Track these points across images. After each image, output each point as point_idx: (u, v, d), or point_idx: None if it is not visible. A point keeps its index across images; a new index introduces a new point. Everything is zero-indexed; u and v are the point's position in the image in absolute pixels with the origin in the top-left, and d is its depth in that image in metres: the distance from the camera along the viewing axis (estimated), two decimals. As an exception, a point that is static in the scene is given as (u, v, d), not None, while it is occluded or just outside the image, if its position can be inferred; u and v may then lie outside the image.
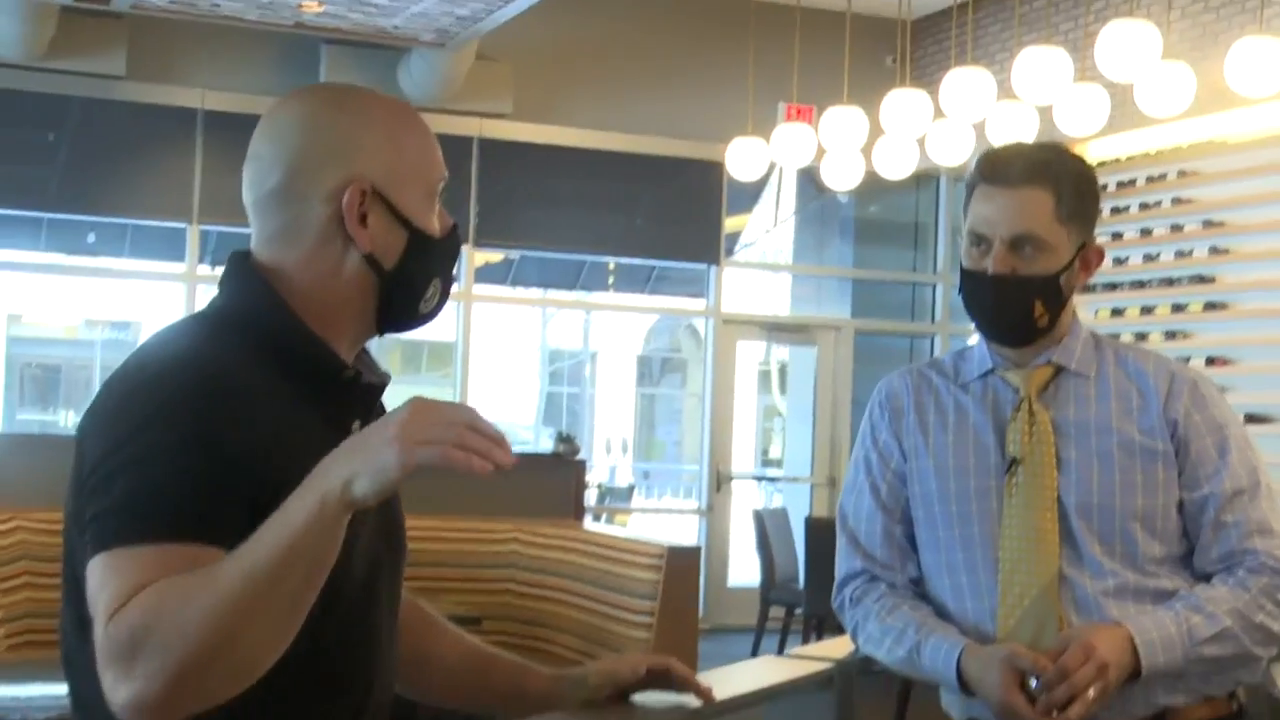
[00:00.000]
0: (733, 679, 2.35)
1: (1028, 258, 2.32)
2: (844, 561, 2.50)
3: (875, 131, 7.51)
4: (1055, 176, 2.32)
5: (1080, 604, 2.28)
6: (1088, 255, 2.38)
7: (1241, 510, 2.31)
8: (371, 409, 1.79)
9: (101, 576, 1.50)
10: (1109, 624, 2.23)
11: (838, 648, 2.59)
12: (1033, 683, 2.17)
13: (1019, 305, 2.33)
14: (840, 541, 2.51)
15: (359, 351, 1.81)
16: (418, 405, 1.49)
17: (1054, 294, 2.34)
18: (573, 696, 2.02)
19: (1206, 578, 2.32)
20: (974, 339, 2.52)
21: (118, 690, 1.45)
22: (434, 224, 1.77)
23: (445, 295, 1.82)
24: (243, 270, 1.75)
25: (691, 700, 2.07)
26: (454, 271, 1.84)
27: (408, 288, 1.75)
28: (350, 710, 1.72)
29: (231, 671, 1.48)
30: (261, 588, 1.45)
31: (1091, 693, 2.13)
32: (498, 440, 1.49)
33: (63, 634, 1.70)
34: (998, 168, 2.35)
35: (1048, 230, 2.31)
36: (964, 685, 2.27)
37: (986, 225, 2.33)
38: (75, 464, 1.63)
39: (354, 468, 1.46)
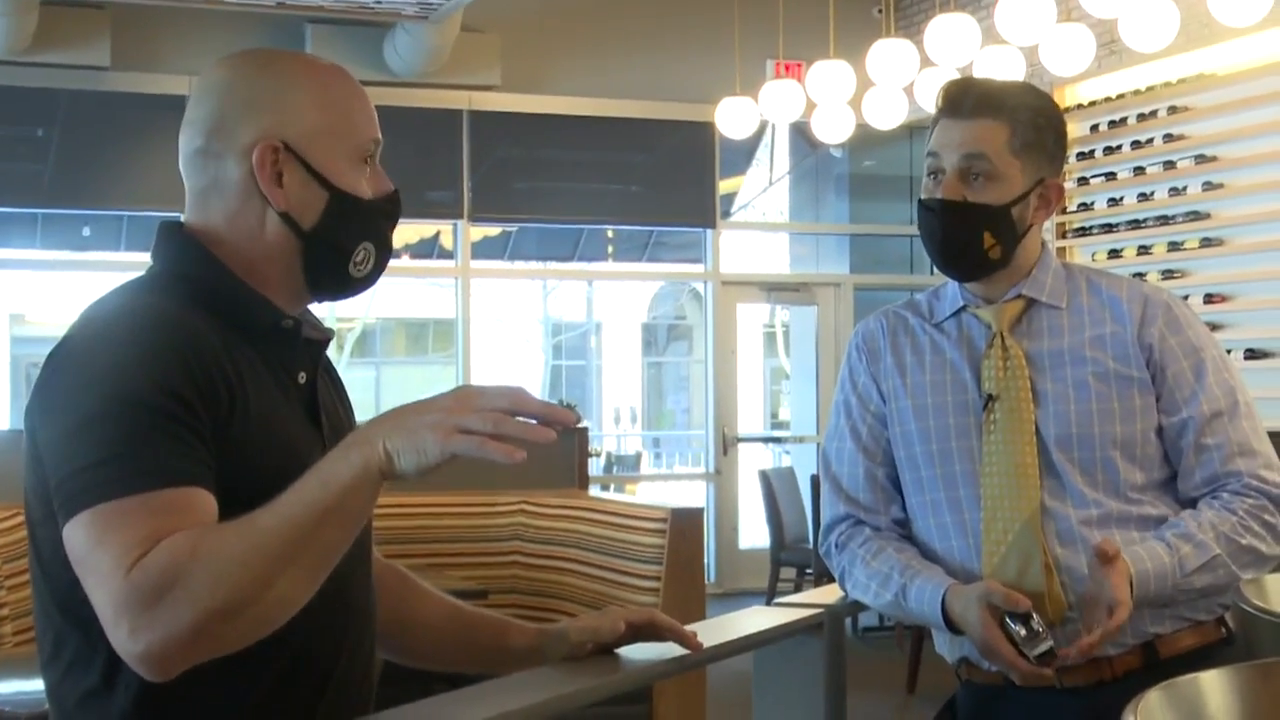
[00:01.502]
0: (721, 628, 2.34)
1: (978, 186, 2.31)
2: (828, 507, 2.49)
3: (864, 83, 7.50)
4: (1010, 109, 2.31)
5: (1063, 536, 2.27)
6: (1046, 191, 2.36)
7: (1222, 432, 2.29)
8: (318, 364, 1.80)
9: (97, 533, 1.49)
10: (1113, 562, 2.19)
11: (827, 594, 2.58)
12: (1012, 626, 2.15)
13: (969, 233, 2.32)
14: (824, 487, 2.51)
15: (302, 310, 1.81)
16: (462, 393, 1.52)
17: (1005, 225, 2.32)
18: (554, 653, 2.01)
19: (1191, 502, 2.31)
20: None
21: (136, 638, 1.45)
22: (361, 185, 1.75)
23: (381, 262, 1.80)
24: (174, 236, 1.76)
25: (677, 650, 2.05)
26: (391, 237, 1.81)
27: (330, 248, 1.74)
28: (320, 675, 1.71)
29: (254, 623, 1.50)
30: (297, 542, 1.48)
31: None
32: (545, 413, 1.52)
33: (37, 620, 1.69)
34: (953, 100, 2.35)
35: (998, 158, 2.30)
36: (951, 625, 2.26)
37: (940, 150, 2.33)
38: (27, 442, 1.61)
39: (397, 443, 1.49)
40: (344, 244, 1.75)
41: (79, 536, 1.50)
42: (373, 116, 1.78)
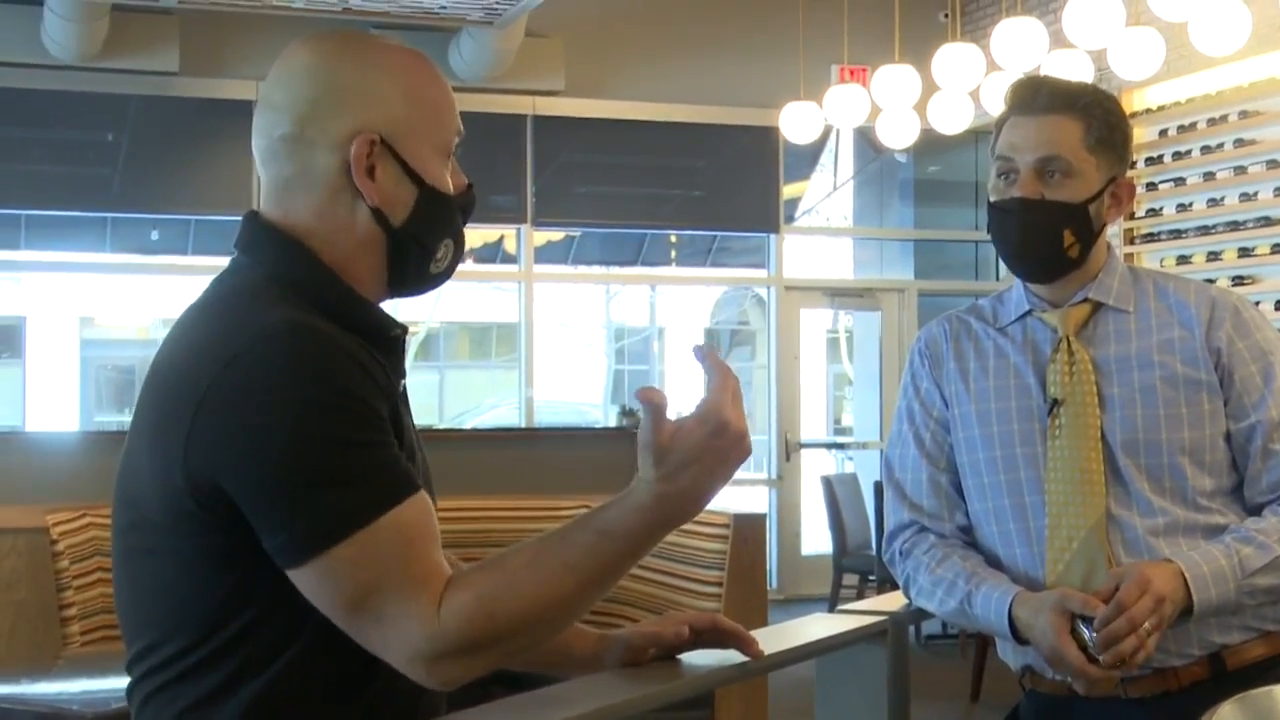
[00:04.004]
0: (784, 634, 2.32)
1: (1055, 183, 2.27)
2: (892, 514, 2.47)
3: (930, 88, 7.45)
4: (1084, 105, 2.29)
5: (1130, 544, 2.24)
6: (1118, 190, 2.33)
7: None
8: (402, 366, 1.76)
9: (353, 565, 1.50)
10: (1159, 560, 2.18)
11: (891, 602, 2.55)
12: (1084, 631, 2.12)
13: (1048, 232, 2.28)
14: (888, 494, 2.49)
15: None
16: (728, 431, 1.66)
17: (1083, 223, 2.29)
18: (615, 659, 1.99)
19: (1258, 510, 2.27)
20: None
21: (436, 675, 1.55)
22: (446, 181, 1.71)
23: (458, 258, 1.76)
24: (269, 232, 1.68)
25: (739, 656, 2.03)
26: (464, 235, 1.77)
27: (418, 245, 1.69)
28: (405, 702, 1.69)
29: (530, 647, 1.63)
30: (588, 583, 1.57)
31: (1148, 625, 2.07)
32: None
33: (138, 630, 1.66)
34: (1025, 97, 2.31)
35: (1075, 155, 2.26)
36: (1016, 634, 2.23)
37: (1013, 150, 2.29)
38: (158, 452, 1.56)
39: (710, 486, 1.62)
40: (430, 241, 1.70)
41: (341, 570, 1.50)
42: (455, 108, 1.74)
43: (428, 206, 1.69)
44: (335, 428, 1.51)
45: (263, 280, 1.64)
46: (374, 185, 1.65)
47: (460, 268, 1.81)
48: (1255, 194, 8.30)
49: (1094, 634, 2.10)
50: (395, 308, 1.80)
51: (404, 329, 1.72)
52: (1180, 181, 8.73)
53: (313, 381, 1.51)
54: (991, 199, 2.34)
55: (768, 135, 10.08)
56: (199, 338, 1.59)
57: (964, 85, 7.27)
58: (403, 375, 1.73)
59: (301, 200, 1.67)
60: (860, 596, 8.94)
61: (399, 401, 1.66)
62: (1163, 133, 8.86)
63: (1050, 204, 2.27)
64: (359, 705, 1.63)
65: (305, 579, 1.52)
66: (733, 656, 2.03)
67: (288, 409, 1.50)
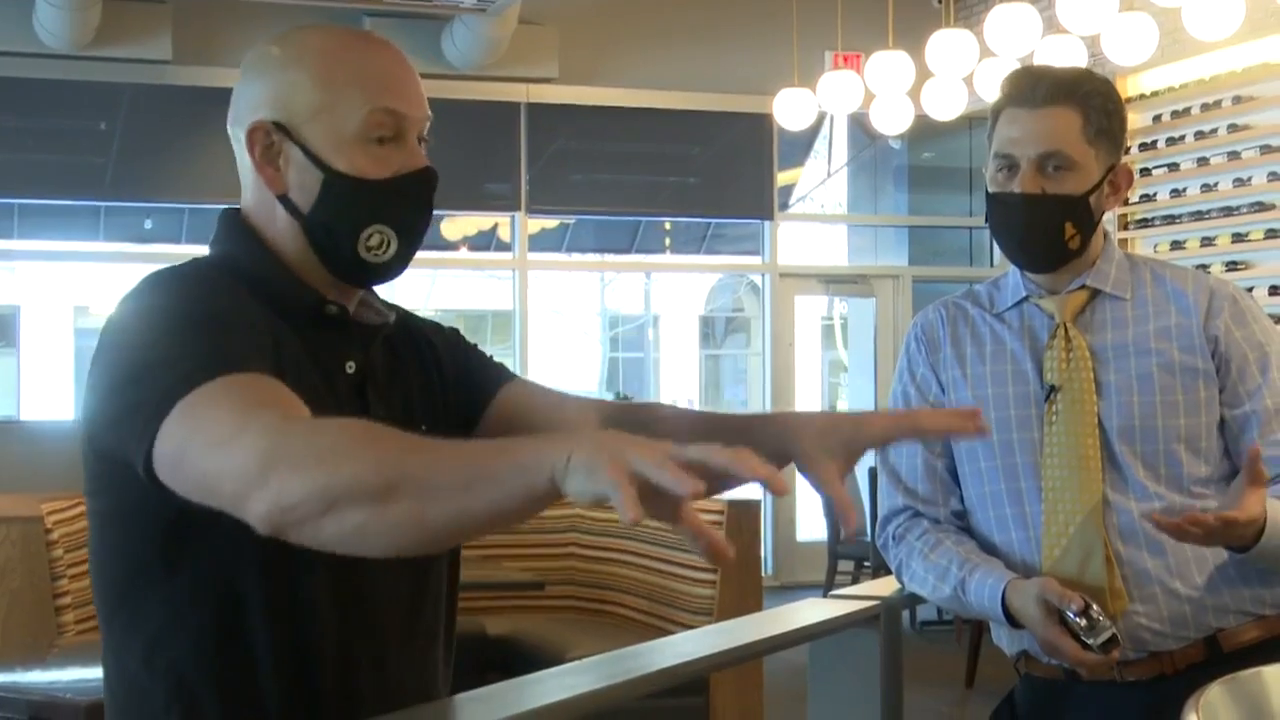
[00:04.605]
0: (777, 619, 2.33)
1: (1056, 177, 2.27)
2: (886, 499, 2.47)
3: (923, 74, 7.44)
4: (1082, 96, 2.27)
5: (1125, 530, 2.24)
6: (1116, 178, 2.33)
7: None
8: (370, 350, 1.72)
9: (196, 416, 1.41)
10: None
11: (883, 587, 2.56)
12: (1070, 615, 2.13)
13: (1050, 226, 2.28)
14: (882, 479, 2.49)
15: (358, 294, 1.73)
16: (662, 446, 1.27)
17: (1084, 215, 2.29)
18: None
19: None
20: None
21: (262, 496, 1.34)
22: (365, 165, 1.64)
23: (405, 246, 1.68)
24: (226, 221, 1.73)
25: (735, 641, 2.03)
26: (414, 220, 1.69)
27: (328, 232, 1.65)
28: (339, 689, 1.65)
29: (354, 528, 1.33)
30: (439, 481, 1.31)
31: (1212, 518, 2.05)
32: (732, 463, 1.27)
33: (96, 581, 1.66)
34: (1023, 89, 2.30)
35: (1075, 149, 2.26)
36: (1011, 619, 2.24)
37: (1013, 146, 2.29)
38: (84, 427, 1.58)
39: (580, 457, 1.26)
40: (345, 227, 1.65)
41: (174, 435, 1.42)
42: (390, 88, 1.66)
43: (335, 191, 1.64)
44: (162, 322, 1.52)
45: (198, 258, 1.71)
46: (277, 174, 1.66)
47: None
48: (1249, 179, 8.30)
49: (1080, 621, 2.12)
50: (392, 295, 1.78)
51: (341, 307, 1.68)
52: (1174, 167, 8.73)
53: (162, 306, 1.55)
54: (991, 190, 2.34)
55: (762, 122, 10.08)
56: None
57: (958, 71, 7.26)
58: (356, 355, 1.70)
59: (245, 193, 1.72)
60: (856, 583, 8.96)
61: (325, 381, 1.64)
62: (1156, 118, 8.86)
63: (1052, 198, 2.27)
64: (297, 683, 1.61)
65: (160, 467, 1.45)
66: (727, 641, 2.04)
67: (126, 319, 1.56)
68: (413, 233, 1.69)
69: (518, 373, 1.95)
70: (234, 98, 1.70)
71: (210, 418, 1.41)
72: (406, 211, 1.68)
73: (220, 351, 1.47)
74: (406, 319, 1.82)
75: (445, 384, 1.81)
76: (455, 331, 1.89)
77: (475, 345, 1.90)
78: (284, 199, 1.66)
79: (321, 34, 1.72)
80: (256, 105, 1.66)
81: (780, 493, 1.27)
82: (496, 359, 1.93)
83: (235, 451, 1.37)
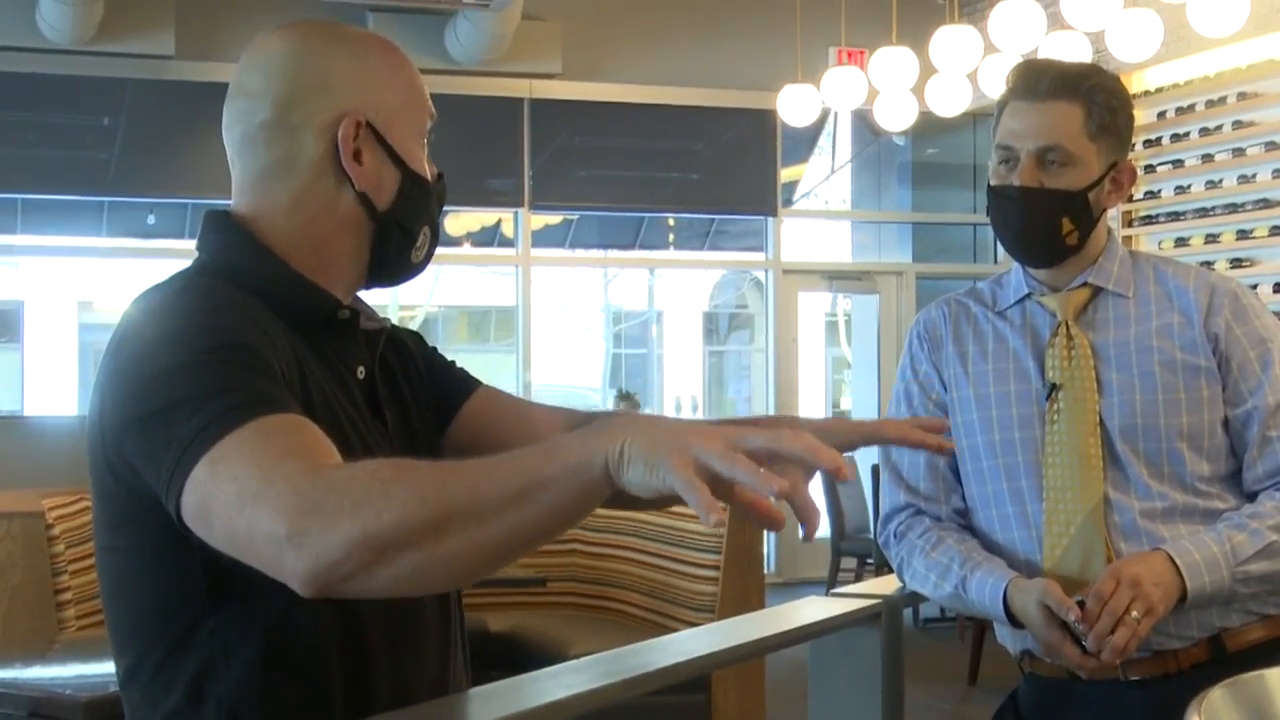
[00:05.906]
0: (778, 617, 2.32)
1: (1055, 171, 2.26)
2: (888, 496, 2.46)
3: (927, 70, 7.44)
4: (1086, 91, 2.26)
5: (1126, 529, 2.23)
6: (1119, 175, 2.32)
7: None
8: (375, 356, 1.72)
9: (222, 470, 1.36)
10: (1147, 551, 2.18)
11: (885, 585, 2.55)
12: (1069, 618, 2.12)
13: (1046, 220, 2.27)
14: (884, 476, 2.48)
15: (354, 299, 1.72)
16: (729, 429, 1.25)
17: (1082, 210, 2.28)
18: None
19: (1254, 497, 2.26)
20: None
21: (301, 552, 1.30)
22: (425, 166, 1.69)
23: (434, 246, 1.73)
24: (219, 224, 1.67)
25: (736, 639, 2.01)
26: (440, 220, 1.75)
27: (402, 231, 1.66)
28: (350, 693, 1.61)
29: (412, 571, 1.31)
30: (491, 502, 1.28)
31: (1135, 612, 2.07)
32: (809, 452, 1.25)
33: (113, 635, 1.62)
34: (1027, 82, 2.29)
35: (1075, 143, 2.25)
36: (1012, 619, 2.23)
37: (1013, 138, 2.28)
38: (97, 453, 1.53)
39: (636, 449, 1.23)
40: (413, 226, 1.67)
41: (201, 487, 1.37)
42: (428, 95, 1.72)
43: (411, 191, 1.66)
44: (187, 353, 1.45)
45: (199, 266, 1.64)
46: (360, 169, 1.62)
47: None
48: (1254, 176, 8.29)
49: (1079, 625, 2.11)
50: (395, 297, 1.77)
51: (353, 311, 1.67)
52: (1178, 164, 8.72)
53: (176, 332, 1.49)
54: (991, 183, 2.33)
55: (765, 118, 10.07)
56: None
57: (962, 67, 7.25)
58: (365, 360, 1.69)
59: (279, 187, 1.64)
60: (858, 580, 8.95)
61: (341, 386, 1.62)
62: (1161, 115, 8.85)
63: (1049, 192, 2.26)
64: (345, 703, 1.59)
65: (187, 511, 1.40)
66: (728, 639, 2.03)
67: (147, 347, 1.49)
68: (439, 233, 1.76)
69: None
70: (280, 84, 1.63)
71: (233, 474, 1.36)
72: (438, 213, 1.74)
73: (249, 388, 1.43)
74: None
75: (425, 388, 1.82)
76: (421, 336, 1.89)
77: (436, 349, 1.91)
78: (362, 195, 1.63)
79: (365, 35, 1.71)
80: (338, 98, 1.62)
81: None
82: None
83: (262, 511, 1.33)
